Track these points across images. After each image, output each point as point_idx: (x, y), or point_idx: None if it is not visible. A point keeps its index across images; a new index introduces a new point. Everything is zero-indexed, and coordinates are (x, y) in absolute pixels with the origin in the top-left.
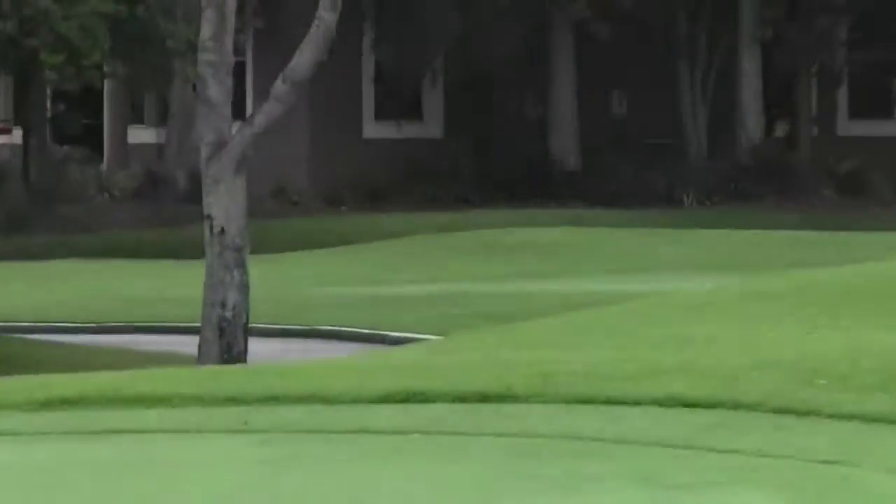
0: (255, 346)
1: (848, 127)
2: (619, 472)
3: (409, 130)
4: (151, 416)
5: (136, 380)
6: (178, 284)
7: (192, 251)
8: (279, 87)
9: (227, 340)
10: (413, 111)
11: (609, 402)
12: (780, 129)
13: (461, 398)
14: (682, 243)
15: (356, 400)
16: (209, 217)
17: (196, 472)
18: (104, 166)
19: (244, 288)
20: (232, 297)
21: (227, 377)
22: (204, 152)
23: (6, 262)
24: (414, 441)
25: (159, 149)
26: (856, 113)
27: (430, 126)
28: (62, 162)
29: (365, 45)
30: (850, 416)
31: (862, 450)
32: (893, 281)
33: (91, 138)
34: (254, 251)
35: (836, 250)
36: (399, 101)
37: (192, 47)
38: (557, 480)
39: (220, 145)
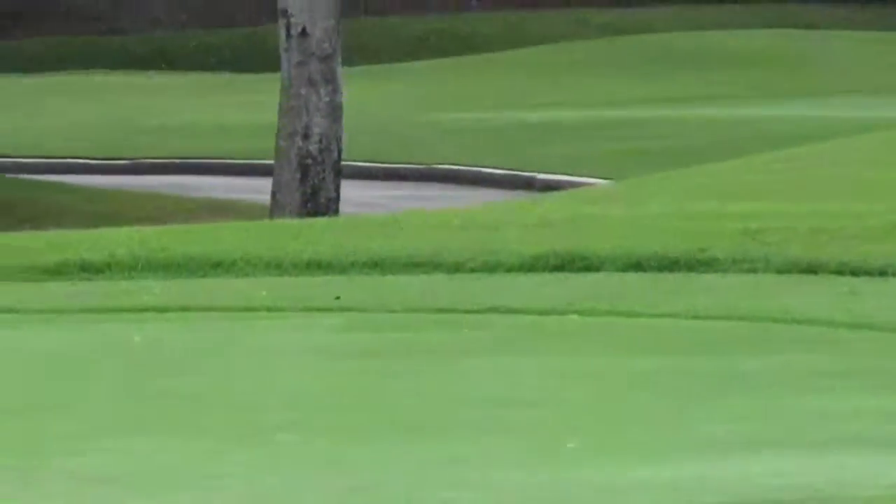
0: (350, 191)
1: None
2: (851, 369)
3: None
4: (204, 288)
5: (182, 238)
6: (239, 107)
7: (261, 60)
8: None
9: (311, 184)
10: None
11: (841, 271)
12: None
13: (636, 265)
14: None
15: (489, 268)
16: (285, 13)
17: (267, 364)
18: None
19: (335, 112)
20: (318, 124)
21: (311, 234)
22: None
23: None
24: (570, 323)
25: None
26: None
27: None
28: None
29: None
30: None
31: None
32: None
33: None
34: (347, 61)
35: None
36: None
37: None
38: (746, 375)
39: None
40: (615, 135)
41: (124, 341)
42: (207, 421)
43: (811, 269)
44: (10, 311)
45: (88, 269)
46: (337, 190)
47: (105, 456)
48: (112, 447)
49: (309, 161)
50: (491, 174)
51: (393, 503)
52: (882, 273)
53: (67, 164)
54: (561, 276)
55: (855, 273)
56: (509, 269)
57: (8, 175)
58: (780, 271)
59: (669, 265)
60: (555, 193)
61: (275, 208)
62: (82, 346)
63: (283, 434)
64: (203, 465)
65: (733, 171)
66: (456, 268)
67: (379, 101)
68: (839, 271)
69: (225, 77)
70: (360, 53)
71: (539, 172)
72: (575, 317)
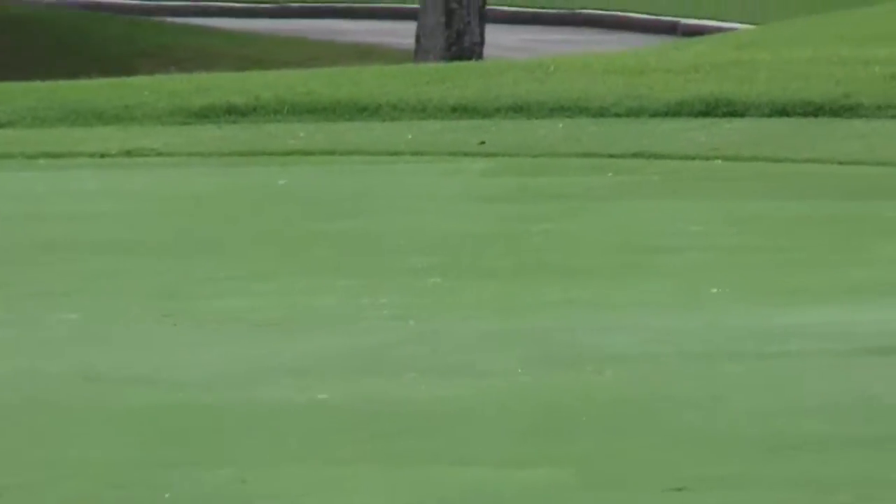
0: (495, 35)
1: None
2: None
3: None
4: (350, 132)
5: (327, 82)
6: None
7: None
8: None
9: (456, 28)
10: None
11: None
12: None
13: (781, 111)
14: None
15: (634, 112)
16: None
17: (413, 208)
18: None
19: None
20: None
21: (456, 78)
22: None
23: None
24: (715, 169)
25: None
26: None
27: None
28: None
29: None
30: None
31: None
32: None
33: None
34: None
35: None
36: None
37: None
38: None
39: None
40: None
41: (270, 184)
42: (355, 263)
43: None
44: (157, 153)
45: (234, 113)
46: (481, 34)
47: (253, 299)
48: (259, 290)
49: (454, 5)
50: (635, 19)
51: (550, 344)
52: None
53: (217, 7)
54: (706, 121)
55: None
56: (654, 114)
57: (156, 18)
58: None
59: (814, 111)
60: (700, 38)
61: (419, 52)
62: (228, 189)
63: (432, 277)
64: (353, 307)
65: (881, 16)
66: (601, 112)
67: None
68: None
69: None
70: None
71: (683, 18)
72: (719, 162)
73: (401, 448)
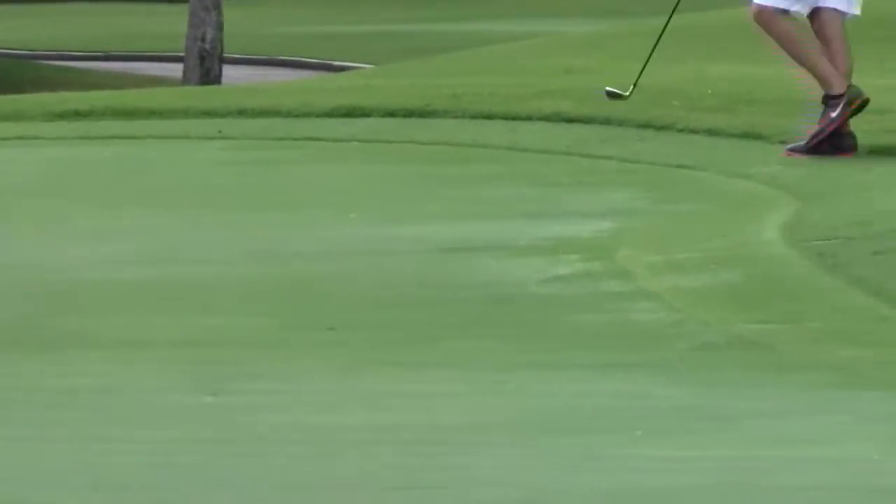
0: (228, 71)
1: None
2: (513, 173)
3: None
4: (145, 126)
5: (134, 97)
6: (167, 23)
7: None
8: None
9: (206, 67)
10: None
11: (506, 117)
12: None
13: (391, 113)
14: None
15: (307, 114)
16: None
17: (179, 169)
18: None
19: (219, 26)
20: (210, 33)
21: (205, 95)
22: None
23: (22, 4)
24: (353, 147)
25: None
26: None
27: None
28: None
29: None
30: (696, 131)
31: (706, 158)
32: (733, 23)
33: None
34: None
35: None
36: None
37: None
38: (464, 178)
39: None
40: (385, 39)
41: (98, 158)
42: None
43: (490, 116)
44: (34, 138)
45: (79, 114)
46: (220, 70)
47: None
48: None
49: (204, 54)
50: (309, 62)
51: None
52: (529, 118)
53: (68, 55)
54: (347, 120)
55: (514, 118)
56: (319, 115)
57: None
58: (473, 116)
59: (409, 114)
60: (346, 72)
61: (184, 80)
62: (72, 160)
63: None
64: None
65: (448, 60)
66: (289, 114)
67: (248, 21)
68: (505, 117)
69: (162, 6)
70: None
71: (335, 61)
72: (356, 143)
73: None
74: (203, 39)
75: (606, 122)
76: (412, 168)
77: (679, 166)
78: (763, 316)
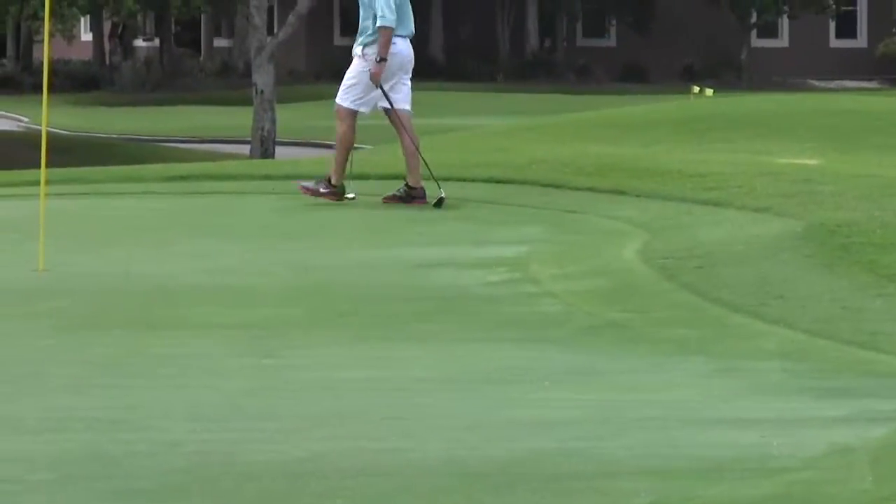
0: (280, 150)
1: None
2: (463, 215)
3: None
4: (224, 185)
5: (217, 166)
6: (239, 118)
7: (248, 101)
8: (290, 17)
9: (265, 147)
10: None
11: (459, 179)
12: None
13: (385, 177)
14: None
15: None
16: (255, 84)
17: (245, 213)
18: (202, 58)
19: (273, 120)
20: (267, 124)
21: (263, 166)
22: (252, 52)
23: (146, 106)
24: (358, 200)
25: (229, 50)
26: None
27: None
28: (179, 57)
29: None
30: (580, 188)
31: (587, 206)
32: (604, 120)
33: (194, 44)
34: (280, 101)
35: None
36: None
37: None
38: (429, 219)
39: (260, 49)
40: None
41: (195, 206)
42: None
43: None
44: (150, 193)
45: (181, 177)
46: (273, 149)
47: None
48: None
49: (264, 138)
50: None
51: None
52: (474, 180)
53: (172, 139)
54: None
55: (460, 179)
56: None
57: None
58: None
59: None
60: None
61: (251, 155)
62: (177, 207)
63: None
64: None
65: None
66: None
67: (294, 117)
68: (455, 179)
69: (235, 108)
70: (284, 98)
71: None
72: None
73: None
74: (263, 129)
75: (523, 182)
76: (393, 213)
77: (570, 211)
78: (624, 307)
